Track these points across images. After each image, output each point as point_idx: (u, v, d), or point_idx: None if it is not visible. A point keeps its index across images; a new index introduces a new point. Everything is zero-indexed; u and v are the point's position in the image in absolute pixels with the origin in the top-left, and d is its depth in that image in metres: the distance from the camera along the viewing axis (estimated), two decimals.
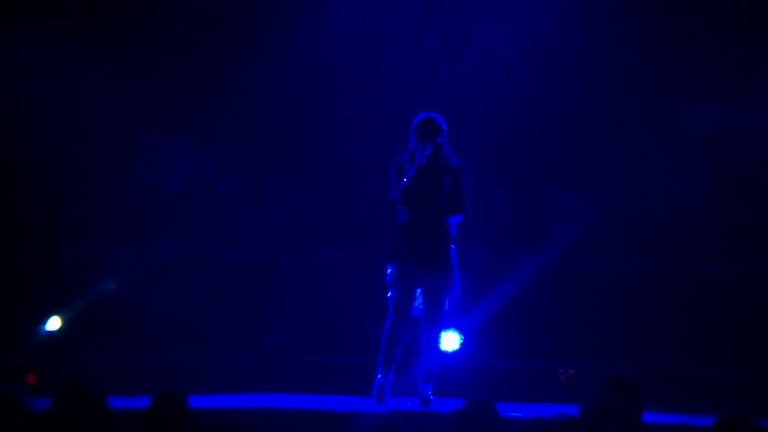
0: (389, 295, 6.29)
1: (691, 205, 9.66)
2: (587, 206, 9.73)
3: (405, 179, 6.22)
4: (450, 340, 8.99)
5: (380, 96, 9.75)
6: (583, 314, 9.33)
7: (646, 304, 9.33)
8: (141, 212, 9.79)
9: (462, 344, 9.02)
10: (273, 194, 9.88)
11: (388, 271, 6.31)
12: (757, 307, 9.13)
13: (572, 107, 9.77)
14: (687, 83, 9.64)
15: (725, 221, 9.54)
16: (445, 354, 8.87)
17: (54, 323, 9.07)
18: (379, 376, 6.28)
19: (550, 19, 9.76)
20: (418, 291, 6.31)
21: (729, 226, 9.51)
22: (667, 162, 9.72)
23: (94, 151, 9.65)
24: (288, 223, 9.89)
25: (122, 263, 9.62)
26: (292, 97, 9.81)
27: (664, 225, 9.70)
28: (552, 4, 9.76)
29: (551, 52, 9.83)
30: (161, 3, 9.80)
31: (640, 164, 9.74)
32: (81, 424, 3.81)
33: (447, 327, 8.89)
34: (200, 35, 9.75)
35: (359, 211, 9.30)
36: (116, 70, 9.64)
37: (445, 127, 6.41)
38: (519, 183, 9.84)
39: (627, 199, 9.73)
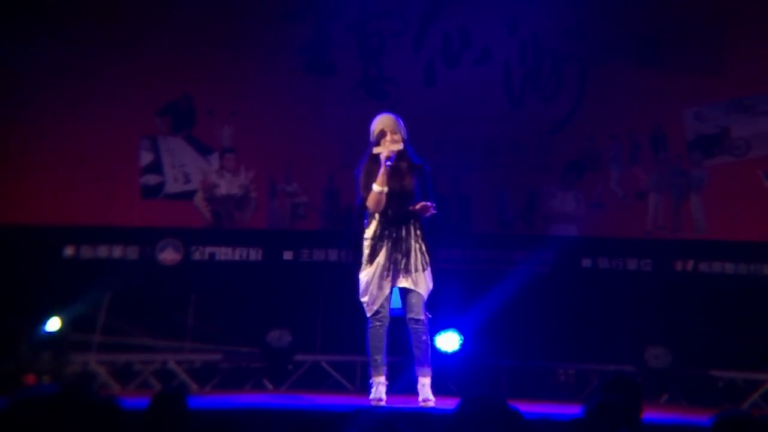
0: (365, 298, 6.26)
1: (690, 204, 9.67)
2: (587, 206, 9.74)
3: (373, 184, 6.21)
4: (450, 341, 9.02)
5: (380, 96, 9.76)
6: (583, 314, 9.33)
7: (646, 304, 9.34)
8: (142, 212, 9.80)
9: (462, 344, 9.04)
10: (274, 195, 9.88)
11: (360, 275, 6.29)
12: (756, 306, 9.13)
13: (572, 107, 9.78)
14: (687, 83, 9.64)
15: (724, 221, 9.54)
16: (445, 354, 8.91)
17: (54, 323, 9.08)
18: (371, 380, 6.28)
19: (550, 19, 9.77)
20: (395, 290, 6.29)
21: (728, 225, 9.52)
22: (666, 162, 9.72)
23: (95, 151, 9.67)
24: (289, 223, 9.90)
25: (123, 263, 9.63)
26: (292, 97, 9.82)
27: (663, 225, 9.70)
28: (552, 4, 9.77)
29: (551, 52, 9.84)
30: (162, 4, 9.82)
31: (640, 164, 9.74)
32: (89, 423, 3.81)
33: (445, 327, 8.96)
34: (201, 36, 9.76)
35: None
36: (118, 69, 9.67)
37: (404, 126, 6.41)
38: (519, 183, 9.84)
39: (626, 199, 9.74)
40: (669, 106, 9.69)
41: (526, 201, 9.85)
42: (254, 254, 9.77)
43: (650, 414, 4.92)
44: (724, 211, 9.53)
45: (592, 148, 9.81)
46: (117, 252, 9.71)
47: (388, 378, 6.28)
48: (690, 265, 9.50)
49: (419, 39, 9.87)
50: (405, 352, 6.48)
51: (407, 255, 6.23)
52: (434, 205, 6.21)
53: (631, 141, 9.76)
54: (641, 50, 9.71)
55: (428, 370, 6.29)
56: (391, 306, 6.29)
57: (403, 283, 6.24)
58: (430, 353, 6.33)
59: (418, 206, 6.22)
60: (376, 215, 6.28)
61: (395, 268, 6.22)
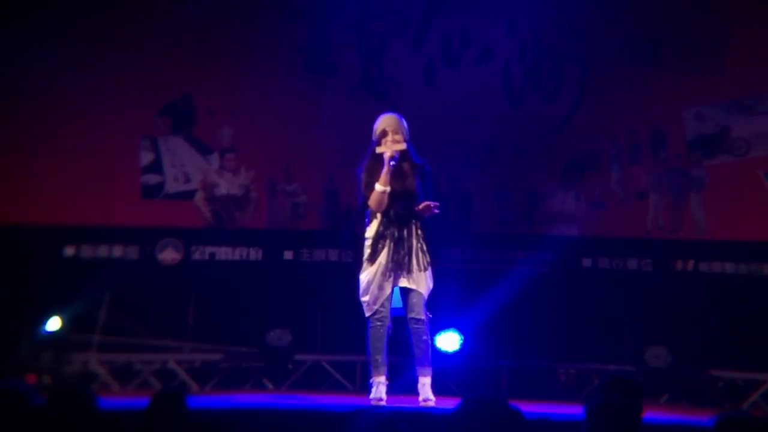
0: (365, 298, 6.25)
1: (690, 204, 9.67)
2: (587, 206, 9.74)
3: (376, 183, 6.21)
4: (450, 340, 9.02)
5: (380, 96, 9.76)
6: (583, 314, 9.33)
7: (646, 304, 9.34)
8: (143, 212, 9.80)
9: (462, 344, 9.04)
10: (274, 194, 9.88)
11: (361, 275, 6.28)
12: (756, 306, 9.13)
13: (572, 107, 9.78)
14: (687, 83, 9.65)
15: (724, 221, 9.55)
16: (445, 354, 8.91)
17: (54, 323, 9.07)
18: (371, 380, 6.27)
19: (549, 19, 9.77)
20: (395, 290, 6.29)
21: (728, 225, 9.52)
22: (667, 162, 9.73)
23: (95, 151, 9.67)
24: (289, 223, 9.90)
25: (123, 263, 9.63)
26: (292, 97, 9.82)
27: (663, 225, 9.70)
28: (552, 5, 9.78)
29: (551, 52, 9.84)
30: (162, 5, 9.82)
31: (640, 164, 9.75)
32: (71, 423, 3.82)
33: (445, 327, 8.95)
34: (201, 36, 9.76)
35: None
36: (118, 69, 9.68)
37: (407, 126, 6.40)
38: (519, 183, 9.84)
39: (626, 199, 9.74)
40: (669, 106, 9.69)
41: (526, 201, 9.85)
42: (254, 254, 9.77)
43: (651, 414, 4.92)
44: (724, 211, 9.54)
45: (592, 148, 9.81)
46: (117, 252, 9.71)
47: (388, 378, 6.27)
48: (690, 265, 9.51)
49: (419, 39, 9.87)
50: (405, 352, 6.48)
51: (409, 255, 6.23)
52: (437, 204, 6.22)
53: (631, 141, 9.76)
54: (641, 50, 9.71)
55: (429, 370, 6.28)
56: (392, 306, 6.29)
57: (404, 282, 6.24)
58: (430, 353, 6.33)
59: (421, 206, 6.23)
60: (378, 215, 6.28)
61: (397, 267, 6.22)
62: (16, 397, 3.86)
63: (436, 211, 6.21)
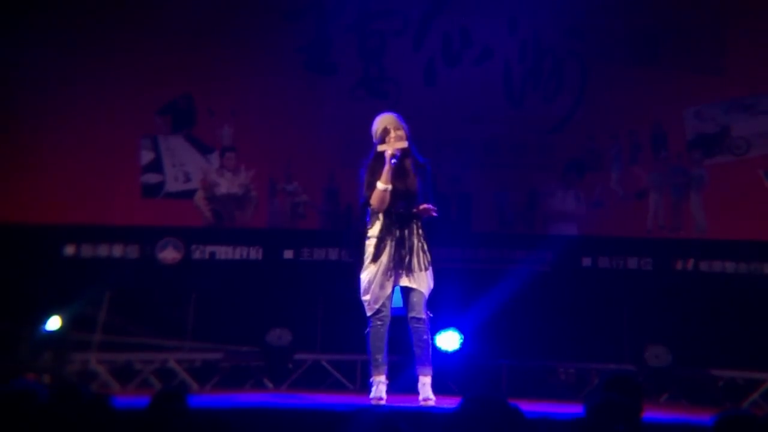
0: (366, 297, 6.25)
1: (690, 203, 9.67)
2: (587, 205, 9.74)
3: (378, 182, 6.21)
4: (450, 340, 9.02)
5: (380, 95, 9.76)
6: (583, 313, 9.33)
7: (646, 303, 9.34)
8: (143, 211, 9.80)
9: (462, 343, 9.04)
10: (274, 194, 9.88)
11: (362, 274, 6.29)
12: (756, 306, 9.13)
13: (572, 107, 9.78)
14: (687, 83, 9.65)
15: (724, 220, 9.55)
16: (445, 353, 8.91)
17: (54, 322, 9.07)
18: (371, 379, 6.27)
19: (549, 19, 9.77)
20: (396, 289, 6.30)
21: (728, 225, 9.52)
22: (667, 161, 9.73)
23: (95, 150, 9.67)
24: (289, 222, 9.90)
25: (123, 262, 9.63)
26: (292, 97, 9.82)
27: (663, 224, 9.70)
28: (552, 4, 9.78)
29: (551, 51, 9.84)
30: (162, 4, 9.82)
31: (640, 163, 9.75)
32: (81, 422, 3.82)
33: (445, 327, 8.96)
34: (201, 36, 9.76)
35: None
36: (118, 68, 9.68)
37: (406, 125, 6.41)
38: (519, 182, 9.84)
39: (627, 198, 9.74)
40: (669, 105, 9.69)
41: (527, 200, 9.85)
42: (254, 253, 9.77)
43: (650, 413, 4.92)
44: (724, 210, 9.53)
45: (593, 147, 9.81)
46: (117, 251, 9.71)
47: (388, 377, 6.28)
48: (690, 264, 9.51)
49: (419, 38, 9.87)
50: (405, 351, 6.49)
51: (410, 254, 6.23)
52: (436, 209, 6.23)
53: (631, 140, 9.76)
54: (641, 50, 9.71)
55: (429, 369, 6.29)
56: (392, 305, 6.29)
57: (405, 282, 6.25)
58: (430, 352, 6.33)
59: (420, 207, 6.24)
60: (380, 214, 6.28)
61: (398, 267, 6.23)
62: (28, 399, 3.86)
63: (435, 214, 6.23)
